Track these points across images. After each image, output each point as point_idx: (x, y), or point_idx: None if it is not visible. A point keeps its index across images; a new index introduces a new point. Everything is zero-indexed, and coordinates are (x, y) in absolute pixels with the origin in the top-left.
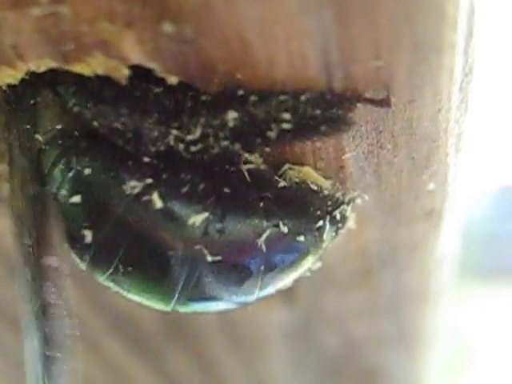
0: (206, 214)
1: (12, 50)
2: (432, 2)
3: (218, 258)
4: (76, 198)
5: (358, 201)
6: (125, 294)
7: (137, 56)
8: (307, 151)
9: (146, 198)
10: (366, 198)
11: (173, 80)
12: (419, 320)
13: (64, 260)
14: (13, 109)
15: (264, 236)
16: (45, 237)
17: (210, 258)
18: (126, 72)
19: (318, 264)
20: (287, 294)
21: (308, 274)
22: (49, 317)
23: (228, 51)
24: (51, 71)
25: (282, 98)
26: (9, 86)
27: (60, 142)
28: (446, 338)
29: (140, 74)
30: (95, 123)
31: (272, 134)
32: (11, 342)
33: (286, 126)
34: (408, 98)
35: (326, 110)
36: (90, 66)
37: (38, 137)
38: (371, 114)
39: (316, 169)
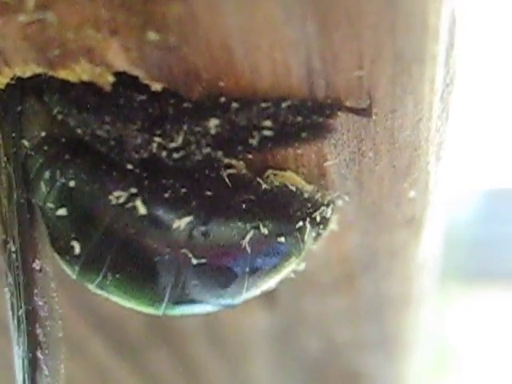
0: (189, 218)
1: None
2: (414, 14)
3: (203, 260)
4: (62, 211)
5: (339, 202)
6: (115, 300)
7: (121, 63)
8: (289, 158)
9: (129, 205)
10: (347, 198)
11: (157, 87)
12: (401, 324)
13: (49, 263)
14: None
15: (247, 238)
16: (30, 241)
17: (195, 261)
18: (111, 79)
19: (303, 265)
20: (269, 299)
21: (292, 275)
22: (34, 320)
23: (212, 59)
24: (37, 78)
25: (263, 105)
26: None
27: (45, 148)
28: (427, 341)
29: (124, 80)
30: (79, 131)
31: (254, 141)
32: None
33: (267, 133)
34: (389, 107)
35: (306, 117)
36: (75, 72)
37: (24, 142)
38: (353, 122)
39: (298, 175)
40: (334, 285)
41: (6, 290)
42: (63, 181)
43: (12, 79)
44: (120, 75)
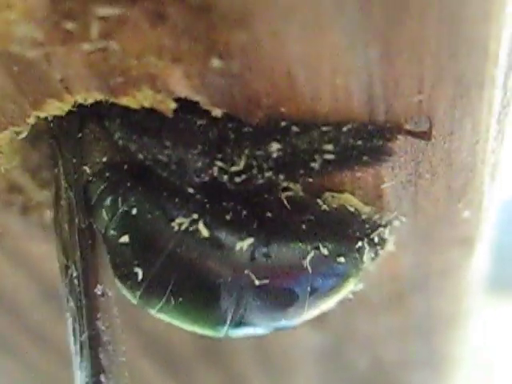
0: (251, 240)
1: (60, 84)
2: (476, 39)
3: (265, 281)
4: (124, 238)
5: (396, 223)
6: (176, 324)
7: (183, 89)
8: (346, 180)
9: (192, 228)
10: (404, 219)
11: (217, 112)
12: (448, 341)
13: (111, 287)
14: (58, 141)
15: (308, 258)
16: (92, 267)
17: (257, 282)
18: (173, 105)
19: (360, 286)
20: (320, 317)
21: (350, 296)
22: (97, 345)
23: (273, 85)
24: (97, 105)
25: (324, 129)
26: (54, 117)
27: (107, 174)
28: (473, 359)
29: (184, 105)
30: (140, 156)
31: (315, 165)
32: (47, 365)
33: (328, 156)
34: (448, 130)
35: (367, 141)
36: (137, 99)
37: (86, 168)
38: (411, 144)
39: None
40: (385, 304)
41: (68, 315)
42: (125, 208)
43: (73, 106)
44: (180, 100)
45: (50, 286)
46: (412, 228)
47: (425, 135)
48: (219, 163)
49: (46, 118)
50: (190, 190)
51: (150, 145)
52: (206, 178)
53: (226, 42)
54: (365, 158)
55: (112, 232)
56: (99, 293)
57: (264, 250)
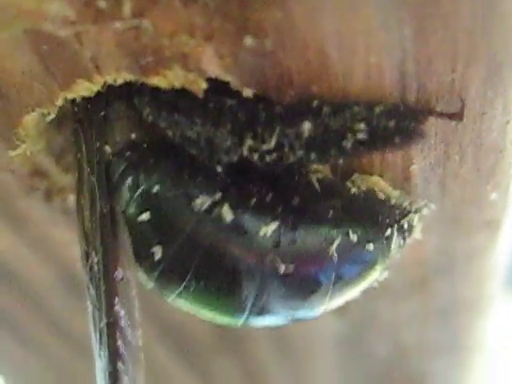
0: (276, 224)
1: (91, 63)
2: (509, 17)
3: (291, 267)
4: (145, 216)
5: (425, 211)
6: (195, 311)
7: (215, 69)
8: (375, 162)
9: (215, 211)
10: (433, 207)
11: (248, 92)
12: (469, 328)
13: (131, 272)
14: (82, 124)
15: (335, 245)
16: (112, 252)
17: (283, 268)
18: (204, 85)
19: (385, 274)
20: (341, 305)
21: (376, 284)
22: (115, 331)
23: (306, 63)
24: (127, 83)
25: (356, 109)
26: (81, 100)
27: (128, 153)
28: (492, 345)
29: (214, 86)
30: (169, 133)
31: (348, 145)
32: (63, 355)
33: (361, 136)
34: (479, 110)
35: (399, 122)
36: (168, 79)
37: (107, 148)
38: (441, 125)
39: (382, 179)
40: (408, 289)
41: (88, 302)
42: (147, 186)
43: (102, 87)
44: (211, 81)
45: (71, 273)
46: (438, 211)
47: (456, 116)
48: (250, 141)
49: (72, 101)
50: (219, 169)
51: (180, 121)
52: (236, 157)
53: (259, 20)
54: (396, 139)
55: (132, 210)
56: (119, 277)
57: (290, 235)
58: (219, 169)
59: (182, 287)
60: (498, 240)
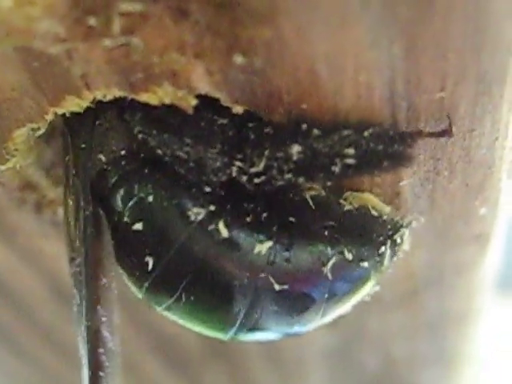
0: (270, 243)
1: (81, 80)
2: (500, 36)
3: (285, 286)
4: (138, 226)
5: (414, 223)
6: (183, 323)
7: (204, 86)
8: (365, 178)
9: (211, 226)
10: (422, 220)
11: (238, 109)
12: (459, 338)
13: (114, 281)
14: (71, 130)
15: (330, 264)
16: (95, 257)
17: (277, 287)
18: (193, 102)
19: (376, 288)
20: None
21: (367, 298)
22: (96, 339)
23: (296, 81)
24: (118, 99)
25: (345, 132)
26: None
27: (123, 163)
28: (482, 356)
29: (204, 103)
30: (159, 151)
31: (336, 169)
32: (56, 366)
33: (349, 160)
34: (468, 127)
35: (388, 146)
36: (157, 96)
37: (101, 157)
38: (430, 142)
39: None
40: (397, 302)
41: (74, 309)
42: (141, 195)
43: (91, 103)
44: (201, 98)
45: (61, 284)
46: (428, 225)
47: (445, 133)
48: (238, 163)
49: (63, 115)
50: (207, 189)
51: (170, 141)
52: (224, 178)
53: (249, 38)
54: (385, 163)
55: (125, 219)
56: (101, 283)
57: (285, 253)
58: (207, 189)
59: (172, 299)
60: (487, 254)
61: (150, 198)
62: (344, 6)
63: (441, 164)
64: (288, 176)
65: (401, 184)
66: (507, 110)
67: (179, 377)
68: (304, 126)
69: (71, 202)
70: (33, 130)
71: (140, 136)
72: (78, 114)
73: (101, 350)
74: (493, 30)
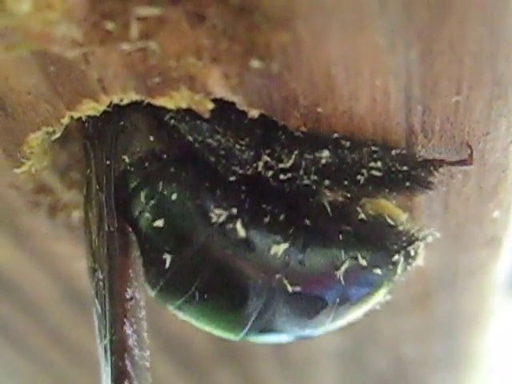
0: (286, 245)
1: (98, 84)
2: None
3: (298, 288)
4: (159, 222)
5: (430, 238)
6: (194, 322)
7: (221, 90)
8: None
9: (229, 226)
10: (438, 235)
11: (254, 113)
12: (469, 342)
13: (141, 291)
14: (92, 141)
15: (343, 268)
16: (120, 270)
17: (290, 289)
18: (210, 105)
19: (388, 297)
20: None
21: (378, 307)
22: (121, 349)
23: (312, 85)
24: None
25: (373, 148)
26: (89, 117)
27: (147, 164)
28: (494, 357)
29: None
30: (190, 137)
31: (361, 179)
32: (64, 367)
33: (375, 173)
34: (483, 130)
35: (412, 169)
36: (174, 100)
37: (125, 158)
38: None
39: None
40: (409, 304)
41: (95, 317)
42: (165, 193)
43: (108, 106)
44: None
45: (72, 286)
46: (441, 228)
47: (466, 163)
48: (266, 158)
49: (79, 118)
50: (232, 178)
51: (202, 127)
52: (250, 171)
53: (266, 42)
54: (408, 183)
55: (147, 215)
56: (127, 296)
57: (300, 256)
58: (232, 178)
59: (186, 298)
60: (499, 257)
61: (174, 196)
62: (360, 10)
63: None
64: (314, 177)
65: None
66: None
67: (188, 377)
68: (335, 136)
69: (94, 213)
70: (48, 133)
71: (172, 122)
72: (100, 127)
73: (127, 362)
74: (508, 33)
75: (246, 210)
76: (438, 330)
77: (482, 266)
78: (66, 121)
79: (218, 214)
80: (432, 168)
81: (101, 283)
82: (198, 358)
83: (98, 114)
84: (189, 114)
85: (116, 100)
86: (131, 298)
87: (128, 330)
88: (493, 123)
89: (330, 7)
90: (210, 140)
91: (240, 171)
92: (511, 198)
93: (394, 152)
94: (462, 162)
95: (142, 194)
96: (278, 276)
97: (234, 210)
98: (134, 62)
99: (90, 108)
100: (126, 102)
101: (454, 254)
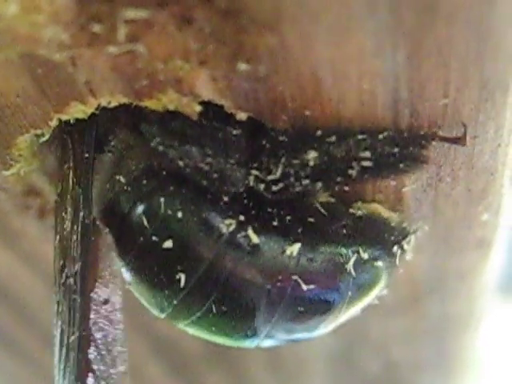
0: (299, 244)
1: (85, 86)
2: (503, 43)
3: (312, 286)
4: (168, 243)
5: (419, 231)
6: (207, 335)
7: (208, 93)
8: (367, 184)
9: (241, 234)
10: (426, 228)
11: (242, 116)
12: (459, 343)
13: (115, 293)
14: (71, 136)
15: (351, 262)
16: (93, 264)
17: (305, 287)
18: (198, 108)
19: (385, 291)
20: None
21: (376, 301)
22: (87, 345)
23: (299, 88)
24: (133, 110)
25: (359, 137)
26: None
27: (144, 182)
28: (483, 360)
29: (210, 110)
30: (180, 163)
31: (353, 172)
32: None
33: (366, 163)
34: (471, 133)
35: (403, 148)
36: (161, 102)
37: (120, 178)
38: (433, 149)
39: (375, 201)
40: (399, 306)
41: (57, 319)
42: (169, 212)
43: (96, 109)
44: (207, 105)
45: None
46: (430, 231)
47: (459, 140)
48: (255, 172)
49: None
50: (225, 199)
51: (192, 152)
52: (242, 188)
53: (253, 45)
54: (401, 165)
55: (154, 238)
56: (101, 299)
57: (310, 254)
58: (226, 199)
59: (201, 312)
60: (488, 259)
61: (179, 214)
62: (348, 13)
63: (443, 170)
64: (305, 182)
65: (403, 190)
66: (510, 116)
67: (179, 379)
68: (319, 133)
69: (68, 209)
70: (37, 136)
71: (160, 148)
72: (79, 122)
73: (94, 358)
74: (495, 36)
75: (254, 215)
76: (428, 333)
77: (471, 269)
78: (54, 123)
79: (227, 224)
80: (424, 141)
81: (71, 279)
82: (188, 359)
83: (86, 117)
84: (176, 137)
85: (104, 103)
86: (106, 302)
87: (93, 327)
88: (481, 126)
89: (316, 10)
90: (201, 164)
91: (233, 190)
92: (500, 201)
93: (381, 136)
94: (455, 140)
95: (144, 218)
96: (294, 277)
97: (242, 217)
98: (122, 65)
99: (78, 110)
100: (113, 104)
101: (443, 257)
